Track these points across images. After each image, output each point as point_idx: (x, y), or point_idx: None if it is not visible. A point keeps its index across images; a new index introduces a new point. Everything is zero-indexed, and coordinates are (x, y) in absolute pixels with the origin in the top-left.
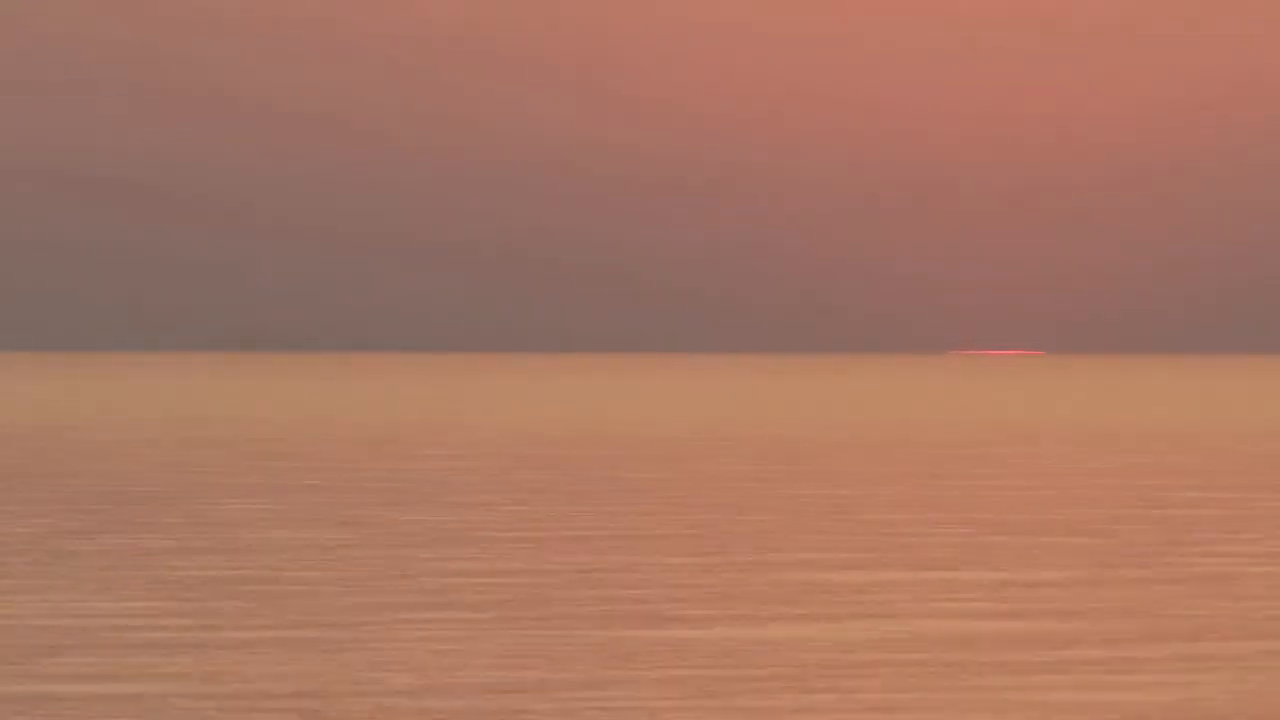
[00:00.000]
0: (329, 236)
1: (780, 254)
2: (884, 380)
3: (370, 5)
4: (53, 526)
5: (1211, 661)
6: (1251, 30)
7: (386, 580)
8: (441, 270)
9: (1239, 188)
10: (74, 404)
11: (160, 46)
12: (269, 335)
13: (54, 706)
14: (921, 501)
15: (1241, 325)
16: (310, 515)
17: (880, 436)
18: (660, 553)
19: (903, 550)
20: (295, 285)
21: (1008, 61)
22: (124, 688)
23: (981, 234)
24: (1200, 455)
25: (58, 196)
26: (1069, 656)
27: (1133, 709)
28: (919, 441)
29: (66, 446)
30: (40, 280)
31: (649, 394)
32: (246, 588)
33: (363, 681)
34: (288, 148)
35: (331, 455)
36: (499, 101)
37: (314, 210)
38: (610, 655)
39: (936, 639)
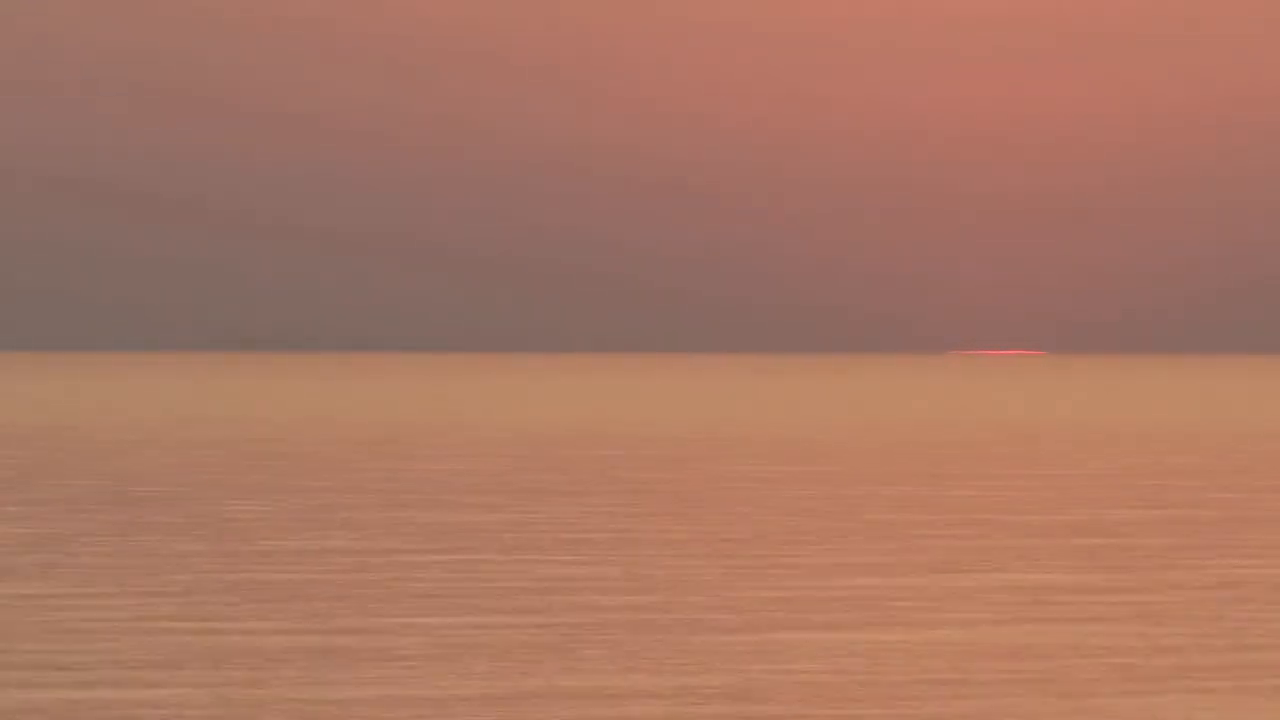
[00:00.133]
0: (329, 236)
1: (780, 254)
2: (884, 380)
3: (370, 5)
4: (54, 527)
5: None
6: (1251, 30)
7: (388, 580)
8: (441, 270)
9: (1239, 188)
10: (74, 404)
11: (160, 48)
12: (269, 335)
13: (62, 706)
14: (929, 503)
15: (1241, 325)
16: (310, 516)
17: (880, 437)
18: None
19: (924, 553)
20: (295, 285)
21: (1008, 62)
22: (135, 694)
23: (981, 234)
24: (1200, 455)
25: (58, 196)
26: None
27: None
28: (920, 441)
29: (67, 446)
30: (40, 280)
31: (649, 394)
32: (247, 588)
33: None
34: (288, 148)
35: (331, 455)
36: (499, 102)
37: (314, 210)
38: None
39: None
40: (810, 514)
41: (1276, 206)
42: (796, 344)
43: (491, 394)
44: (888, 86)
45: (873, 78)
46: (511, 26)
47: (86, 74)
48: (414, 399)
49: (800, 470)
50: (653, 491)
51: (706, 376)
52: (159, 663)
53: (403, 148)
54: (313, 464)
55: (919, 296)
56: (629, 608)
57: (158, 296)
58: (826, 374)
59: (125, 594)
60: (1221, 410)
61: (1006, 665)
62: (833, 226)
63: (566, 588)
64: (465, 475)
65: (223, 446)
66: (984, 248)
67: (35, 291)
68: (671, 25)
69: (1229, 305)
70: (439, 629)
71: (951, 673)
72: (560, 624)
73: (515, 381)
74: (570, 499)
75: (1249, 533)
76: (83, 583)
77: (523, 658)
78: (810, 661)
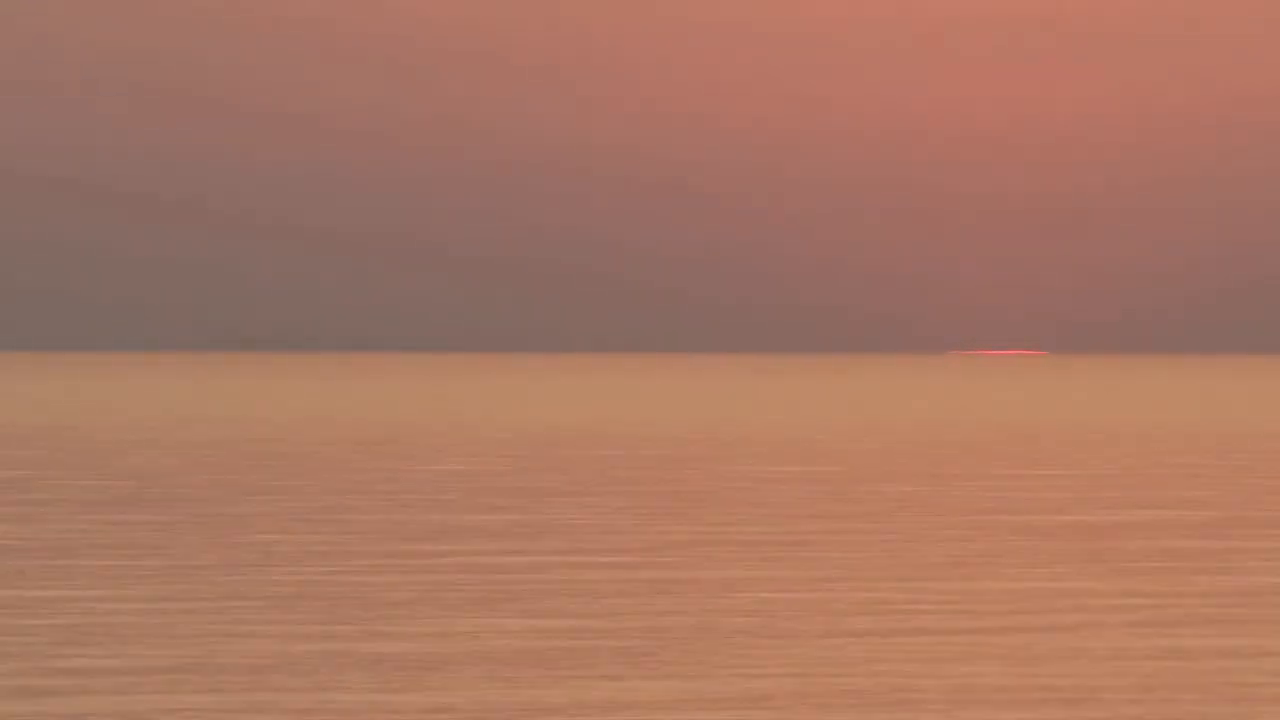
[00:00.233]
0: (329, 236)
1: (780, 254)
2: (884, 380)
3: (370, 5)
4: (54, 527)
5: None
6: (1251, 30)
7: (388, 581)
8: (441, 270)
9: (1239, 188)
10: (74, 404)
11: (160, 48)
12: (269, 335)
13: (71, 701)
14: (935, 503)
15: (1241, 325)
16: (310, 516)
17: (881, 437)
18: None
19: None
20: (295, 285)
21: (1008, 62)
22: (138, 697)
23: (981, 234)
24: (1200, 455)
25: (58, 196)
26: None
27: None
28: (920, 441)
29: (67, 446)
30: (40, 280)
31: (649, 394)
32: (248, 589)
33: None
34: (288, 148)
35: (331, 455)
36: (499, 102)
37: (314, 210)
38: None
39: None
40: (811, 515)
41: (1276, 206)
42: (796, 344)
43: (491, 394)
44: (888, 86)
45: (873, 78)
46: (511, 26)
47: (86, 74)
48: (414, 399)
49: (801, 470)
50: (653, 492)
51: (706, 376)
52: (160, 666)
53: (403, 148)
54: (313, 464)
55: (919, 296)
56: (629, 609)
57: (158, 296)
58: (826, 374)
59: (126, 596)
60: (1221, 410)
61: (1008, 668)
62: (833, 226)
63: (567, 590)
64: (465, 476)
65: (223, 446)
66: (984, 248)
67: (35, 291)
68: (671, 25)
69: (1229, 305)
70: (439, 631)
71: (961, 677)
72: (561, 627)
73: (515, 381)
74: (571, 499)
75: (1249, 533)
76: (83, 584)
77: (523, 660)
78: (814, 664)
